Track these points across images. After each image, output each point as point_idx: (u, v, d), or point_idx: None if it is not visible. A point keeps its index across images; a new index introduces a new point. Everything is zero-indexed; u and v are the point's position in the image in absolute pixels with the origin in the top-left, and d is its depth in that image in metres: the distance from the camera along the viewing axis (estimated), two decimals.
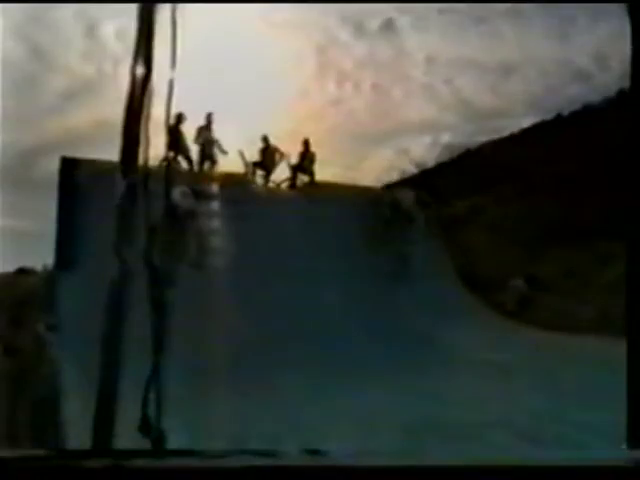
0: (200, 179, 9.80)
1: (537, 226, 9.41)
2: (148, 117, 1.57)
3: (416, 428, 3.99)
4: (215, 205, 8.80)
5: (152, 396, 1.51)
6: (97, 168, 7.94)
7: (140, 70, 1.57)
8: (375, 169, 21.49)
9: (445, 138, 21.34)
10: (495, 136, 14.06)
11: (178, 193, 7.32)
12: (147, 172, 1.40)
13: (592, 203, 9.17)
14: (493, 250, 10.52)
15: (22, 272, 11.20)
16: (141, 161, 1.54)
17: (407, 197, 10.90)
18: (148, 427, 1.53)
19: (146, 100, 1.56)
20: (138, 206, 1.37)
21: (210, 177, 10.25)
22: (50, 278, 8.82)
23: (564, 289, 8.60)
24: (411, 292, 9.04)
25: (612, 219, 8.51)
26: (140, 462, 1.48)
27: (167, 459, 1.57)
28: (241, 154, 11.64)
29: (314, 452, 1.60)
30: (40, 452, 1.53)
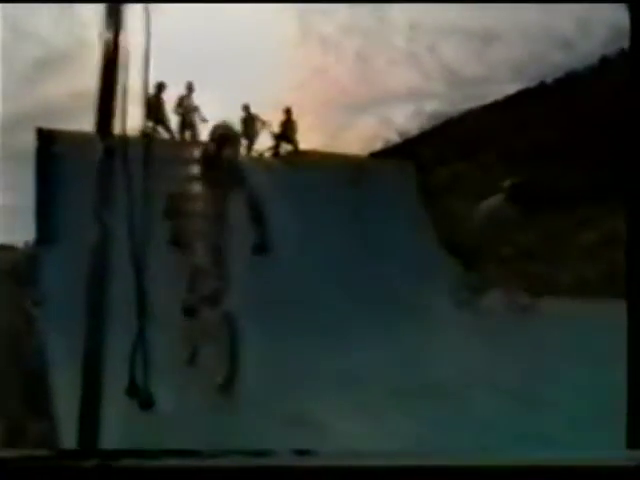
0: (181, 148, 9.66)
1: None
2: (124, 85, 1.54)
3: (401, 386, 4.11)
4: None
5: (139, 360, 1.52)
6: (75, 139, 7.78)
7: (113, 38, 1.54)
8: (359, 138, 21.34)
9: (429, 106, 21.17)
10: (479, 103, 14.01)
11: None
12: (126, 138, 1.39)
13: (574, 169, 9.26)
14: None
15: (3, 248, 11.04)
16: (119, 129, 1.52)
17: None
18: (135, 390, 1.55)
19: (120, 68, 1.53)
20: (117, 172, 1.36)
21: (192, 146, 10.12)
22: (32, 252, 8.73)
23: (545, 254, 8.74)
24: (395, 259, 9.17)
25: (594, 185, 8.64)
26: (139, 462, 1.49)
27: (166, 459, 1.57)
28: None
29: (303, 452, 1.62)
30: (39, 452, 1.54)
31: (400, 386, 4.13)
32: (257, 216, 4.40)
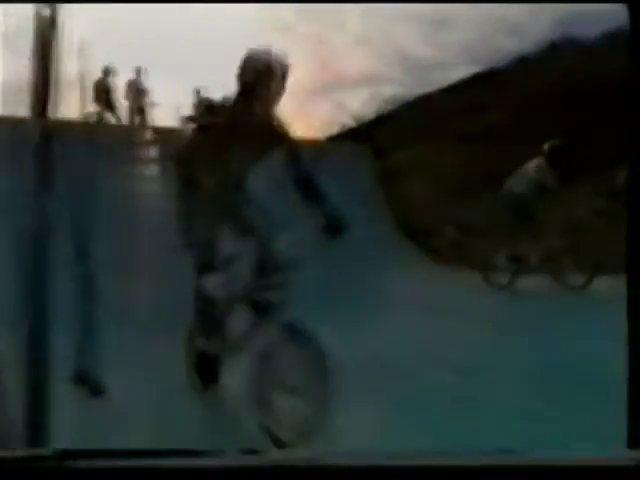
0: (132, 134, 9.41)
1: (470, 174, 9.72)
2: (60, 70, 1.49)
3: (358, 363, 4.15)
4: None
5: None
6: (11, 124, 7.42)
7: (49, 21, 1.48)
8: (315, 122, 21.29)
9: (384, 90, 21.31)
10: (433, 88, 14.19)
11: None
12: (63, 123, 1.34)
13: (523, 149, 9.52)
14: (428, 199, 10.87)
15: None
16: (55, 114, 1.47)
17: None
18: (82, 378, 1.51)
19: (57, 53, 1.48)
20: (56, 156, 1.31)
21: (142, 132, 9.88)
22: None
23: (493, 233, 8.94)
24: (350, 242, 9.21)
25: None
26: (135, 462, 1.46)
27: (163, 459, 1.53)
28: (176, 109, 11.30)
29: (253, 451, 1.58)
30: (38, 452, 1.49)
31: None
32: (313, 190, 3.26)
